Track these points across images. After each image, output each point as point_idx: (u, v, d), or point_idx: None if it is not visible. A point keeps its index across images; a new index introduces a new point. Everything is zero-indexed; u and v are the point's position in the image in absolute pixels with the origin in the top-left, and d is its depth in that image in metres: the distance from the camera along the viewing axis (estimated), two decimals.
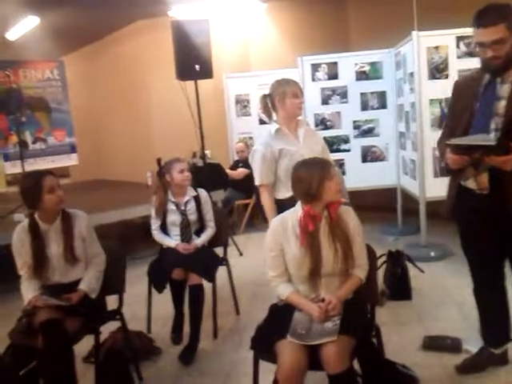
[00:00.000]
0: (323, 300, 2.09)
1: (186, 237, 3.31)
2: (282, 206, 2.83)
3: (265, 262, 2.25)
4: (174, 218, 3.32)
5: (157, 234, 3.36)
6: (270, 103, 2.96)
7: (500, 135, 2.00)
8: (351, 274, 2.18)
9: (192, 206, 3.36)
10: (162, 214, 3.33)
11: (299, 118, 3.02)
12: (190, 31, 4.76)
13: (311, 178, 2.09)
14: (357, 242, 2.17)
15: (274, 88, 2.95)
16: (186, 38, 4.74)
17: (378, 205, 5.90)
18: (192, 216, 3.34)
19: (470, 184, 2.29)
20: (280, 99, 2.91)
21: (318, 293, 2.14)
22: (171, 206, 3.33)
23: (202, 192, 3.44)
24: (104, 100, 8.43)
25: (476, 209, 2.30)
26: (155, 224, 3.36)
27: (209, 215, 3.42)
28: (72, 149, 7.67)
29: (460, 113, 2.34)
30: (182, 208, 3.32)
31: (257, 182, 2.95)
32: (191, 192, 3.39)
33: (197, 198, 3.39)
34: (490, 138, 2.03)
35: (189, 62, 4.72)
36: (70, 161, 7.72)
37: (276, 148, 2.87)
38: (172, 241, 3.30)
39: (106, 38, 7.95)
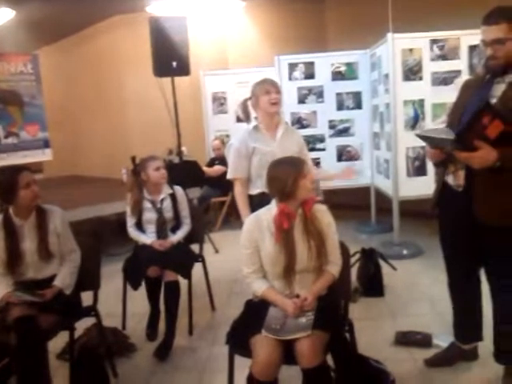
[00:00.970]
0: (298, 296, 2.12)
1: (161, 234, 3.31)
2: (250, 201, 2.93)
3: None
4: (149, 215, 3.31)
5: (132, 232, 3.35)
6: (251, 105, 2.99)
7: (459, 131, 2.00)
8: (324, 271, 2.22)
9: (168, 203, 3.35)
10: (138, 211, 3.31)
11: (279, 116, 3.02)
12: (167, 28, 4.75)
13: (286, 177, 2.12)
14: (330, 239, 2.21)
15: (252, 89, 2.99)
16: (164, 34, 4.72)
17: (352, 203, 5.98)
18: (168, 213, 3.33)
19: (450, 180, 2.34)
20: (254, 101, 2.96)
21: (292, 289, 2.18)
22: (147, 204, 3.31)
23: (178, 189, 3.44)
24: (79, 95, 8.31)
25: (452, 206, 2.36)
26: (131, 221, 3.34)
27: (185, 212, 3.42)
28: (45, 144, 7.53)
29: (456, 109, 2.36)
30: (158, 206, 3.31)
31: (230, 176, 2.99)
32: (167, 189, 3.38)
33: (173, 196, 3.38)
34: (452, 133, 2.03)
35: (166, 59, 4.71)
36: (44, 156, 7.56)
37: (250, 145, 2.90)
38: (148, 238, 3.29)
39: (83, 32, 7.83)
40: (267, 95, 2.88)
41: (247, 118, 3.07)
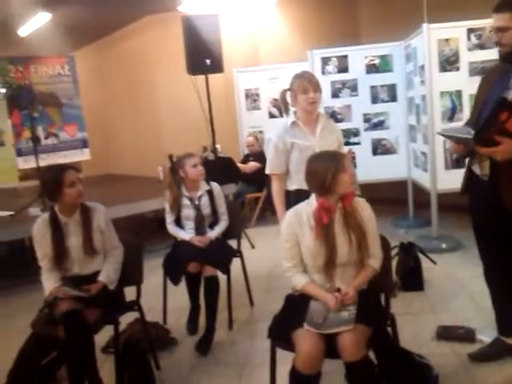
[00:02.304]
0: (339, 290, 2.12)
1: (200, 230, 3.35)
2: (287, 197, 2.91)
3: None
4: (188, 212, 3.36)
5: (171, 228, 3.40)
6: (290, 98, 2.95)
7: (478, 129, 2.06)
8: (365, 264, 2.21)
9: (206, 200, 3.39)
10: (177, 208, 3.36)
11: (320, 112, 3.01)
12: (200, 26, 4.81)
13: (325, 172, 2.12)
14: (370, 232, 2.20)
15: (291, 82, 2.94)
16: (197, 32, 4.78)
17: (388, 197, 5.90)
18: (206, 210, 3.37)
19: (476, 169, 2.37)
20: (292, 95, 2.91)
21: (333, 282, 2.17)
22: (185, 201, 3.36)
23: (215, 186, 3.48)
24: (114, 95, 8.49)
25: (480, 194, 2.38)
26: (170, 218, 3.39)
27: (222, 208, 3.45)
28: (84, 144, 7.73)
29: (477, 102, 2.41)
30: (196, 202, 3.36)
31: (267, 171, 2.99)
32: (204, 186, 3.42)
33: (210, 192, 3.42)
34: (471, 132, 2.10)
35: (199, 57, 4.77)
36: (82, 155, 7.76)
37: (288, 140, 2.88)
38: (186, 234, 3.34)
39: (116, 33, 7.99)
40: (305, 94, 2.83)
41: (285, 110, 3.02)
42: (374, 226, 2.23)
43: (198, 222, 3.35)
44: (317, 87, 2.87)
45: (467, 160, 2.47)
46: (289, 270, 2.24)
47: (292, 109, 3.00)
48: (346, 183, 2.15)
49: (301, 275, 2.22)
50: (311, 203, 2.23)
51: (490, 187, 2.27)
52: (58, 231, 2.57)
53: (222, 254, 3.29)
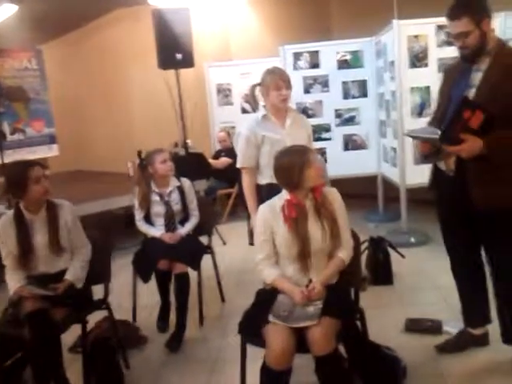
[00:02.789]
0: (311, 281, 2.14)
1: (170, 227, 3.31)
2: (259, 191, 2.90)
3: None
4: (158, 208, 3.31)
5: (141, 225, 3.35)
6: (259, 92, 2.95)
7: (443, 129, 2.10)
8: (334, 256, 2.22)
9: (176, 195, 3.35)
10: (146, 205, 3.31)
11: (289, 106, 2.99)
12: (170, 20, 4.73)
13: (292, 168, 2.14)
14: (340, 221, 2.23)
15: (262, 77, 2.93)
16: (167, 26, 4.71)
17: (359, 192, 5.95)
18: (176, 206, 3.34)
19: (442, 165, 2.40)
20: (264, 90, 2.90)
21: (307, 272, 2.18)
22: (155, 197, 3.31)
23: (186, 181, 3.44)
24: (84, 90, 8.32)
25: (446, 189, 2.42)
26: (139, 215, 3.35)
27: (193, 204, 3.42)
28: (51, 139, 7.56)
29: (440, 100, 2.47)
30: (166, 198, 3.31)
31: (238, 165, 2.96)
32: (174, 182, 3.38)
33: (180, 188, 3.38)
34: (437, 132, 2.14)
35: (170, 51, 4.70)
36: (50, 152, 7.59)
37: (259, 134, 2.86)
38: (157, 231, 3.30)
39: (87, 27, 7.83)
40: (278, 91, 2.83)
41: (255, 105, 3.04)
42: (344, 214, 2.26)
43: (168, 218, 3.31)
44: (289, 84, 2.88)
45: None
46: (260, 262, 2.25)
47: (261, 103, 3.00)
48: (314, 177, 2.17)
49: (272, 268, 2.22)
50: (283, 197, 2.24)
51: (457, 183, 2.31)
52: (23, 229, 2.51)
53: (192, 250, 3.26)
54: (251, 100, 3.05)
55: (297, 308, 2.07)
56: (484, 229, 2.35)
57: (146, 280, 3.19)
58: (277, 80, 2.84)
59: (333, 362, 1.92)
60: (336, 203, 2.24)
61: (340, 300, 2.11)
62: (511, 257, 2.31)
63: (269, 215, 2.23)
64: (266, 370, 1.95)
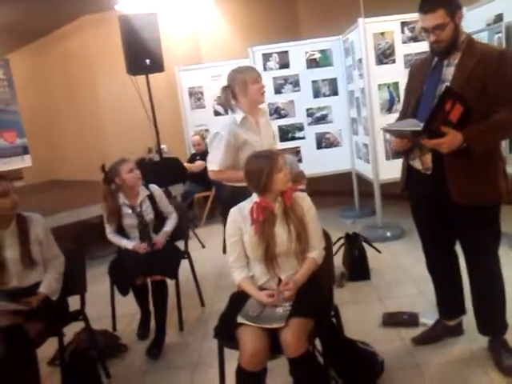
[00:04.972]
0: (280, 280, 2.16)
1: (145, 238, 3.21)
2: (240, 193, 2.83)
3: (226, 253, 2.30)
4: (130, 220, 3.21)
5: (112, 237, 3.24)
6: (230, 94, 2.86)
7: (427, 120, 2.06)
8: (306, 257, 2.24)
9: (147, 205, 3.26)
10: (116, 219, 3.20)
11: (260, 106, 2.96)
12: (138, 25, 4.71)
13: (260, 173, 2.15)
14: (311, 224, 2.25)
15: (232, 77, 2.85)
16: (135, 32, 4.68)
17: (335, 190, 6.03)
18: (149, 216, 3.25)
19: (416, 164, 2.38)
20: (241, 88, 2.81)
21: (274, 272, 2.20)
22: (126, 210, 3.20)
23: (155, 188, 3.35)
24: (54, 98, 8.21)
25: (422, 188, 2.40)
26: (109, 228, 3.23)
27: (169, 208, 3.38)
28: (24, 150, 7.47)
29: (410, 95, 2.46)
30: (138, 209, 3.21)
31: (215, 167, 2.80)
32: (144, 191, 3.28)
33: (150, 196, 3.29)
34: (419, 124, 2.10)
35: (139, 56, 4.67)
36: (23, 162, 7.51)
37: (241, 138, 2.78)
38: (128, 242, 3.19)
39: (53, 34, 7.72)
40: (257, 84, 2.80)
41: (230, 107, 2.93)
42: (313, 217, 2.27)
43: (142, 229, 3.22)
44: (261, 78, 2.89)
45: (403, 157, 2.49)
46: (231, 265, 2.27)
47: (234, 103, 2.90)
48: (282, 181, 2.19)
49: (239, 271, 2.25)
50: (252, 200, 2.26)
51: (434, 180, 2.29)
52: None
53: (168, 259, 3.19)
54: (225, 102, 2.94)
55: (266, 309, 2.09)
56: (461, 225, 2.35)
57: (124, 294, 3.08)
58: (253, 74, 2.83)
59: (306, 363, 1.93)
60: (305, 206, 2.26)
61: (310, 299, 2.12)
62: (487, 252, 2.34)
63: (238, 217, 2.25)
64: (240, 372, 1.96)
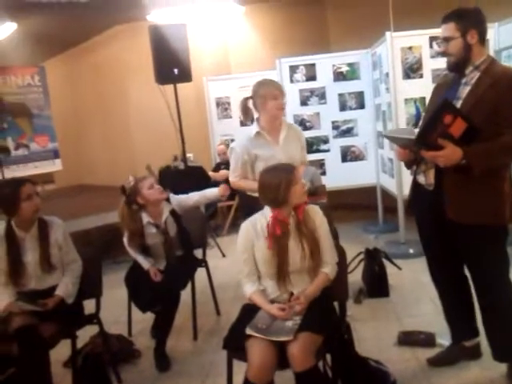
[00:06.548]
0: (292, 294, 2.14)
1: (171, 257, 3.14)
2: (255, 203, 2.85)
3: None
4: (154, 240, 3.13)
5: (130, 250, 3.19)
6: (252, 105, 2.97)
7: (420, 130, 2.04)
8: (319, 272, 2.22)
9: (171, 220, 3.18)
10: (138, 241, 3.11)
11: (283, 118, 3.03)
12: (167, 35, 4.80)
13: (278, 185, 2.15)
14: (323, 239, 2.23)
15: (254, 90, 2.95)
16: (164, 42, 4.77)
17: (358, 203, 5.96)
18: (172, 231, 3.17)
19: (420, 179, 2.36)
20: (261, 102, 2.91)
21: (284, 289, 2.19)
22: (150, 229, 3.11)
23: (173, 198, 3.26)
24: (85, 105, 8.41)
25: (425, 204, 2.36)
26: (127, 239, 3.17)
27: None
28: (55, 154, 7.63)
29: (429, 111, 2.43)
30: (163, 227, 3.13)
31: (231, 178, 3.05)
32: (167, 207, 3.19)
33: (173, 212, 3.20)
34: (414, 133, 2.08)
35: (167, 66, 4.76)
36: (54, 166, 7.66)
37: (252, 153, 2.91)
38: (144, 261, 3.14)
39: (86, 43, 7.92)
40: (275, 100, 2.87)
41: (246, 118, 3.05)
42: (326, 230, 2.26)
43: (168, 248, 3.13)
44: (283, 93, 2.94)
45: (413, 170, 2.46)
46: (244, 277, 2.28)
47: (255, 115, 3.01)
48: (299, 194, 2.18)
49: (251, 284, 2.25)
50: (265, 213, 2.25)
51: (434, 197, 2.26)
52: (14, 247, 2.54)
53: (181, 277, 3.11)
54: (243, 113, 3.05)
55: (275, 322, 2.07)
56: (461, 243, 2.30)
57: (143, 311, 3.08)
58: (273, 90, 2.89)
59: (312, 378, 1.91)
60: (317, 219, 2.24)
61: (321, 315, 2.10)
62: (490, 271, 2.27)
63: (251, 231, 2.26)
64: None
